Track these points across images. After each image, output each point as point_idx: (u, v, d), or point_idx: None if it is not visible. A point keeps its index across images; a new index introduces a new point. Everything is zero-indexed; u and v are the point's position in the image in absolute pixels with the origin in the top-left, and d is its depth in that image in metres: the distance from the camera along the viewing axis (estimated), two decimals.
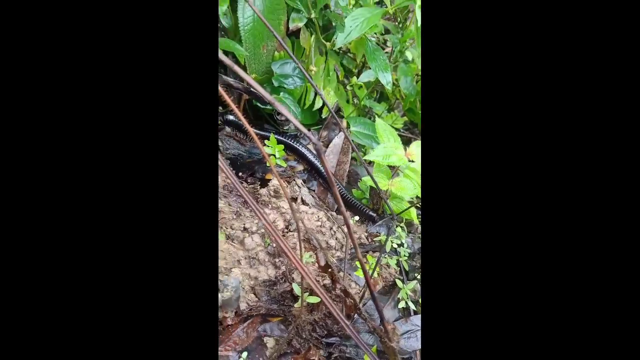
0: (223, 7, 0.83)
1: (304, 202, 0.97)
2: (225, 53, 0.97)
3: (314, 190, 1.12)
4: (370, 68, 1.21)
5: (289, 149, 1.15)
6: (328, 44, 1.04)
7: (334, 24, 1.07)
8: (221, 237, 0.80)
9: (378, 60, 0.93)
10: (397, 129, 1.55)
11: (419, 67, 1.35)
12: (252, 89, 1.04)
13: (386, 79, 0.94)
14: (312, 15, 0.96)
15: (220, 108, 1.09)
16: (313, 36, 1.02)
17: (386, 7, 0.86)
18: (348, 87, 1.32)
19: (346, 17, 1.05)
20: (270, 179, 1.02)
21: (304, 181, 1.08)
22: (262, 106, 1.08)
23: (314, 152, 1.21)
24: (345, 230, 0.96)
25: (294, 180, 1.04)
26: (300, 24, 0.97)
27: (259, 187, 0.98)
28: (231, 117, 1.09)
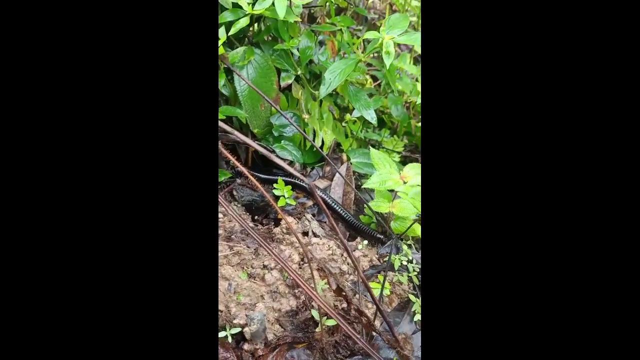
0: (221, 81, 1.00)
1: (314, 235, 1.07)
2: (230, 118, 1.13)
3: (325, 222, 1.22)
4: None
5: (297, 188, 1.27)
6: (317, 92, 1.18)
7: (320, 73, 1.22)
8: (243, 276, 0.91)
9: (360, 100, 1.05)
10: (399, 152, 1.65)
11: (411, 91, 1.47)
12: (257, 142, 1.19)
13: (370, 116, 1.06)
14: (299, 72, 1.12)
15: (230, 162, 1.24)
16: (303, 88, 1.17)
17: (357, 55, 1.00)
18: (344, 124, 1.45)
19: (325, 65, 1.20)
20: (281, 219, 1.13)
21: (313, 215, 1.19)
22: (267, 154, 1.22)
23: (319, 187, 1.32)
24: (355, 255, 1.04)
25: (304, 215, 1.15)
26: (290, 81, 1.12)
27: (272, 226, 1.10)
28: (239, 169, 1.24)
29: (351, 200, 1.27)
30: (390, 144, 1.63)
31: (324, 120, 1.28)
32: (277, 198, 1.22)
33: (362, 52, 1.10)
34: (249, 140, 0.84)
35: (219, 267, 0.88)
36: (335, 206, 1.22)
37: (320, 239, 1.05)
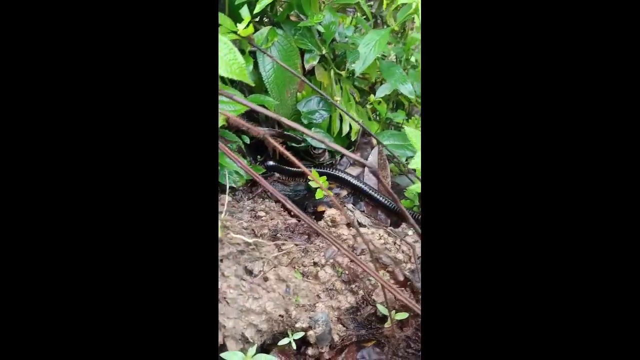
0: (249, 66, 0.91)
1: (360, 225, 1.00)
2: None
3: (363, 211, 1.15)
4: (382, 83, 1.26)
5: (330, 178, 1.19)
6: (343, 72, 1.10)
7: (342, 52, 1.13)
8: (298, 276, 0.84)
9: (395, 74, 0.97)
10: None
11: None
12: (286, 132, 1.10)
13: (408, 90, 0.98)
14: (324, 52, 1.03)
15: (258, 157, 1.16)
16: (331, 70, 1.08)
17: (388, 26, 0.91)
18: (367, 106, 1.37)
19: (353, 43, 1.11)
20: (323, 211, 1.06)
21: (354, 204, 1.11)
22: (297, 145, 1.13)
23: (352, 174, 1.25)
24: (408, 241, 0.97)
25: (345, 206, 1.07)
26: (315, 62, 1.04)
27: (315, 220, 1.02)
28: (271, 163, 1.16)
29: (388, 185, 1.20)
30: (411, 124, 1.55)
31: (350, 103, 1.20)
32: (311, 191, 1.15)
33: (385, 23, 1.01)
34: (285, 119, 0.75)
35: (274, 268, 0.80)
36: (373, 193, 1.14)
37: (368, 228, 0.98)
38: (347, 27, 1.01)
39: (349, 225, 1.01)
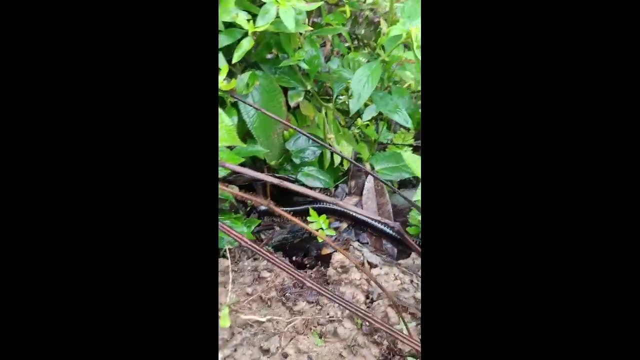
0: (234, 118, 0.84)
1: (371, 265, 0.94)
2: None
3: (366, 243, 1.10)
4: (368, 105, 1.22)
5: (327, 212, 1.13)
6: (330, 104, 1.04)
7: (325, 83, 1.08)
8: (317, 341, 0.77)
9: (388, 104, 0.93)
10: (410, 145, 1.54)
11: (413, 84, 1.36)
12: (275, 176, 1.03)
13: (403, 119, 0.93)
14: (308, 87, 0.97)
15: (248, 202, 1.08)
16: (330, 112, 1.02)
17: (378, 56, 0.86)
18: (355, 130, 1.33)
19: (334, 72, 1.06)
20: (329, 254, 0.99)
21: (360, 242, 1.06)
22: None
23: (350, 205, 1.19)
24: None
25: (350, 244, 1.02)
26: (300, 98, 0.98)
27: (322, 268, 0.96)
28: (262, 208, 1.08)
29: (389, 212, 1.15)
30: (399, 138, 1.52)
31: (340, 134, 1.15)
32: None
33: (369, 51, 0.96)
34: (265, 177, 0.70)
35: (291, 340, 0.73)
36: (375, 223, 1.09)
37: (380, 268, 0.92)
38: (331, 60, 0.95)
39: (361, 264, 0.96)
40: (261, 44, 0.90)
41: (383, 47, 0.87)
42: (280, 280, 0.85)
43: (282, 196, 1.23)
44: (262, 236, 1.09)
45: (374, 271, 0.92)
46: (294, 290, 0.85)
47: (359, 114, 1.35)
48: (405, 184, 1.32)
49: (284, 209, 1.12)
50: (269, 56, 0.97)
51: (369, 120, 1.34)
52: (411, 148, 1.53)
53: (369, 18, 1.36)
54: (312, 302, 0.85)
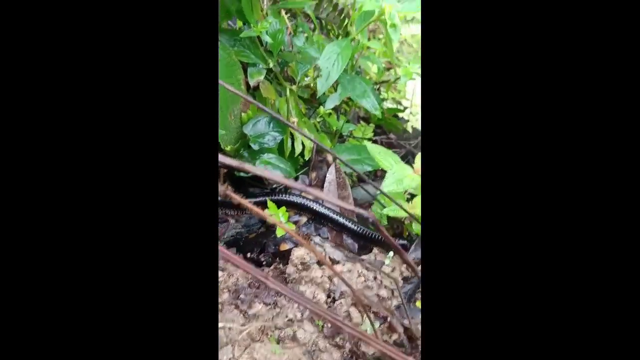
0: None
1: (333, 261, 0.88)
2: None
3: (327, 238, 1.03)
4: (331, 93, 1.15)
5: (286, 205, 1.05)
6: (294, 87, 0.95)
7: (286, 63, 0.98)
8: (275, 349, 0.69)
9: (357, 88, 0.86)
10: (370, 139, 1.51)
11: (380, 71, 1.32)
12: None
13: (371, 105, 0.88)
14: (271, 65, 0.87)
15: None
16: (293, 95, 0.92)
17: (351, 37, 0.79)
18: (318, 119, 1.25)
19: (299, 52, 0.97)
20: (288, 250, 0.91)
21: (321, 236, 0.99)
22: (246, 175, 0.96)
23: (310, 197, 1.12)
24: (386, 271, 0.88)
25: (311, 239, 0.94)
26: (261, 77, 0.88)
27: (281, 265, 0.87)
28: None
29: (351, 204, 1.10)
30: (358, 131, 1.48)
31: (304, 120, 1.06)
32: (267, 225, 0.99)
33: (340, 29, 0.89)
34: (248, 166, 0.61)
35: (247, 348, 0.64)
36: (339, 218, 1.03)
37: (343, 264, 0.86)
38: (296, 35, 0.86)
39: (320, 263, 0.89)
40: (220, 10, 0.78)
41: (348, 27, 0.80)
42: (234, 280, 0.75)
43: (235, 187, 1.12)
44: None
45: (337, 268, 0.86)
46: (248, 292, 0.75)
47: (320, 103, 1.29)
48: (361, 177, 1.28)
49: (242, 197, 1.01)
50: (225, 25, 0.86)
51: (332, 110, 1.28)
52: (370, 142, 1.50)
53: (334, 2, 1.29)
54: (269, 304, 0.76)
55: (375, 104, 0.87)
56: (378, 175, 1.37)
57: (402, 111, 1.51)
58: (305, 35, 0.89)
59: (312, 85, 1.03)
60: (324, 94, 1.14)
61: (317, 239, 0.93)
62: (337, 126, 1.23)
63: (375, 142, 1.51)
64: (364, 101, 0.86)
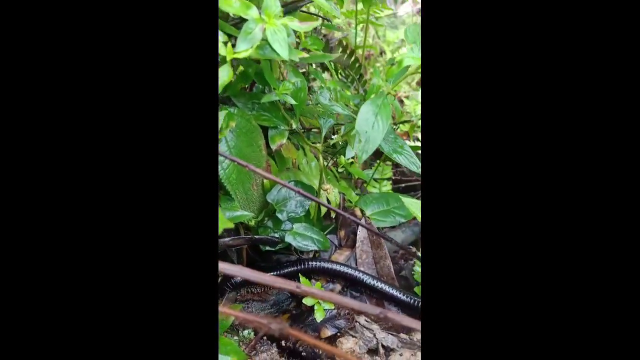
0: None
1: (388, 350, 0.75)
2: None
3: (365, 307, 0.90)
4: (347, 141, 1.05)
5: (317, 273, 0.92)
6: (318, 145, 0.85)
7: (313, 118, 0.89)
8: None
9: (392, 144, 0.76)
10: (390, 179, 1.41)
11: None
12: (256, 237, 0.80)
13: (411, 161, 0.77)
14: (294, 126, 0.77)
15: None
16: (319, 155, 0.82)
17: (386, 92, 0.70)
18: (339, 169, 1.15)
19: (317, 104, 0.88)
20: (332, 337, 0.78)
21: (366, 317, 0.86)
22: (273, 248, 0.84)
23: (341, 262, 1.00)
24: None
25: (356, 322, 0.81)
26: (284, 140, 0.78)
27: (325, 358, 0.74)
28: (238, 279, 0.84)
29: (389, 267, 0.97)
30: (377, 173, 1.37)
31: (329, 178, 0.96)
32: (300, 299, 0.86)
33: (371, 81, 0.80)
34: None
35: None
36: (375, 282, 0.90)
37: (401, 354, 0.73)
38: (321, 91, 0.77)
39: (372, 352, 0.75)
40: (237, 74, 0.69)
41: (366, 80, 0.71)
42: None
43: (259, 255, 0.99)
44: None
45: (394, 358, 0.72)
46: None
47: (335, 150, 1.19)
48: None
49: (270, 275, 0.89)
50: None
51: (353, 158, 1.18)
52: (391, 181, 1.39)
53: (342, 43, 1.22)
54: None
55: (416, 161, 0.77)
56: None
57: (417, 172, 1.42)
58: (328, 91, 0.80)
59: (339, 142, 0.93)
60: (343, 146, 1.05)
61: (362, 320, 0.80)
62: (363, 176, 1.13)
63: (395, 181, 1.41)
64: (400, 158, 0.75)
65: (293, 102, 0.70)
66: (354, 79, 1.15)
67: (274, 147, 0.78)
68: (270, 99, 0.67)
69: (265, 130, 0.77)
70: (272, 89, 0.68)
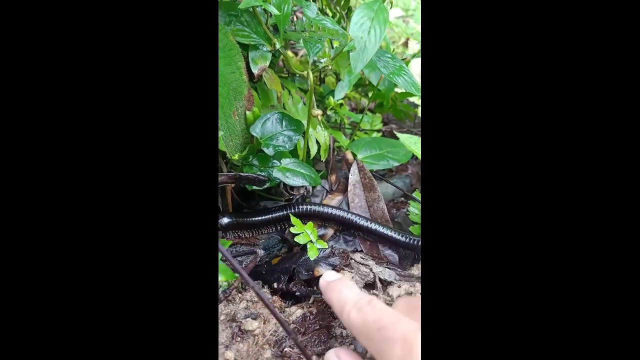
0: None
1: (385, 283, 0.70)
2: None
3: (361, 251, 0.86)
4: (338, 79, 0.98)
5: (309, 217, 0.86)
6: (305, 73, 0.77)
7: (298, 43, 0.80)
8: None
9: (389, 65, 0.69)
10: (379, 130, 1.35)
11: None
12: (242, 174, 0.73)
13: (411, 84, 0.70)
14: (278, 46, 0.69)
15: None
16: (308, 81, 0.74)
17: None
18: (328, 111, 1.07)
19: (303, 30, 0.79)
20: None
21: (344, 241, 0.81)
22: (259, 188, 0.78)
23: (334, 205, 0.94)
24: None
25: (350, 259, 0.76)
26: (266, 64, 0.69)
27: (320, 295, 0.69)
28: (226, 220, 0.77)
29: (383, 210, 0.93)
30: (365, 124, 1.31)
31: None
32: (294, 246, 0.81)
33: None
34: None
35: None
36: (370, 224, 0.86)
37: (399, 285, 0.69)
38: (308, 5, 0.68)
39: (369, 286, 0.71)
40: None
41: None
42: (270, 328, 0.57)
43: (245, 199, 0.93)
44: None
45: (392, 291, 0.68)
46: (291, 340, 0.57)
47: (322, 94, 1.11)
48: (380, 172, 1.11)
49: (257, 218, 0.83)
50: None
51: (343, 100, 1.11)
52: (380, 134, 1.33)
53: None
54: (320, 353, 0.58)
55: (414, 82, 0.70)
56: (394, 171, 1.20)
57: (417, 95, 1.35)
58: (316, 4, 0.71)
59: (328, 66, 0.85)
60: (339, 79, 0.97)
61: (357, 256, 0.75)
62: (353, 116, 1.06)
63: (384, 133, 1.35)
64: (399, 80, 0.68)
65: (275, 11, 0.61)
66: (342, 17, 1.05)
67: (255, 70, 0.69)
68: (250, 5, 0.58)
69: (246, 56, 0.69)
70: None
